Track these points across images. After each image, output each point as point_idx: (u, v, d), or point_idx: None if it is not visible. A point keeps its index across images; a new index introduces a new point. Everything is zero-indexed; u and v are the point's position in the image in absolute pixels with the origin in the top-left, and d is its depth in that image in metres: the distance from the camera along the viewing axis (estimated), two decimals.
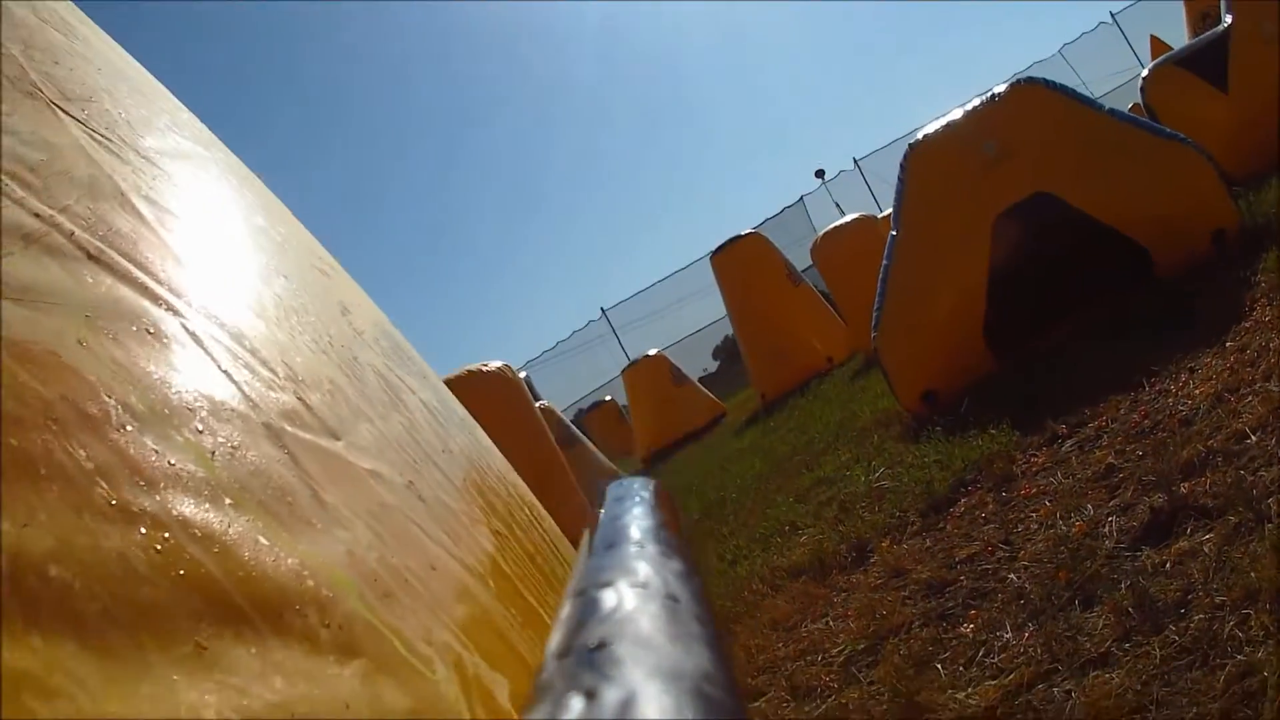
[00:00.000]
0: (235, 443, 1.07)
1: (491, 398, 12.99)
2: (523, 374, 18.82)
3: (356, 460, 1.39)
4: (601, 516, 1.10)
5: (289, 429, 1.23)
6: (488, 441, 2.82)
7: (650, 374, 26.55)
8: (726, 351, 48.72)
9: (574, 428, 23.54)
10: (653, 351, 28.13)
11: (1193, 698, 2.90)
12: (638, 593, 0.73)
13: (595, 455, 22.72)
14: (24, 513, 0.72)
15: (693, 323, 50.43)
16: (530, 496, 2.72)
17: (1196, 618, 3.22)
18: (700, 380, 29.61)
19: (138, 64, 2.14)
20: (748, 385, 24.82)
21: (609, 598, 0.71)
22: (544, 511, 2.77)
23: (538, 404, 18.03)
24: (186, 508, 0.89)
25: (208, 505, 0.92)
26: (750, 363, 21.56)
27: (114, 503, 0.81)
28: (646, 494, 1.18)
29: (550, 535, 2.51)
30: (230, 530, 0.93)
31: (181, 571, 0.82)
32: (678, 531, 1.04)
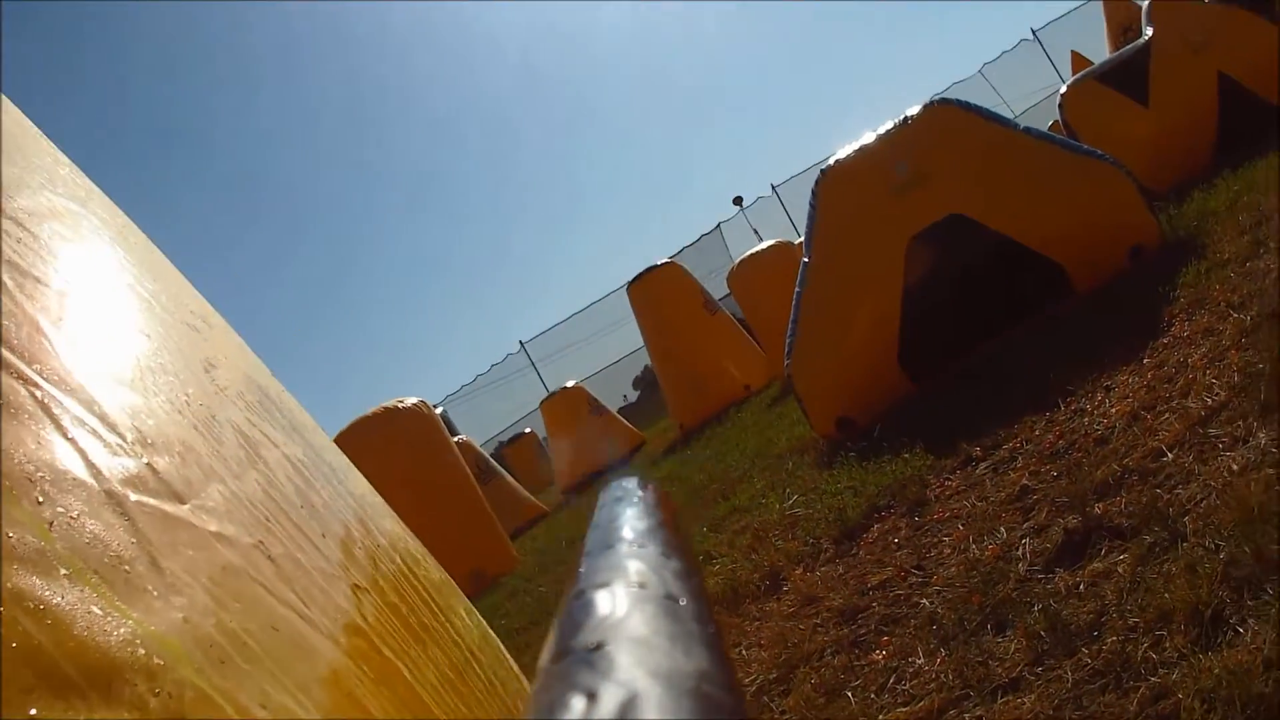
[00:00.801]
0: (74, 512, 1.06)
1: (407, 434, 12.99)
2: (439, 409, 18.81)
3: (201, 523, 1.36)
4: (598, 517, 1.03)
5: (132, 495, 1.21)
6: (363, 491, 2.76)
7: (568, 405, 26.59)
8: (646, 381, 48.99)
9: (492, 461, 23.58)
10: (571, 383, 28.18)
11: None
12: (636, 593, 0.67)
13: (514, 488, 22.71)
14: None
15: (613, 353, 50.68)
16: (407, 545, 2.69)
17: (1110, 640, 3.18)
18: (620, 410, 29.81)
19: (19, 113, 2.16)
20: (666, 415, 24.90)
21: (606, 598, 0.65)
22: (422, 559, 2.72)
23: (455, 439, 17.98)
24: (22, 580, 0.89)
25: (43, 577, 0.92)
26: (668, 392, 21.64)
27: None
28: (644, 494, 1.11)
29: (424, 585, 2.47)
30: (64, 601, 0.92)
31: (13, 644, 0.82)
32: (676, 531, 0.96)
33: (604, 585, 0.66)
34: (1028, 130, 8.54)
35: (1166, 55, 11.22)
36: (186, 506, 1.34)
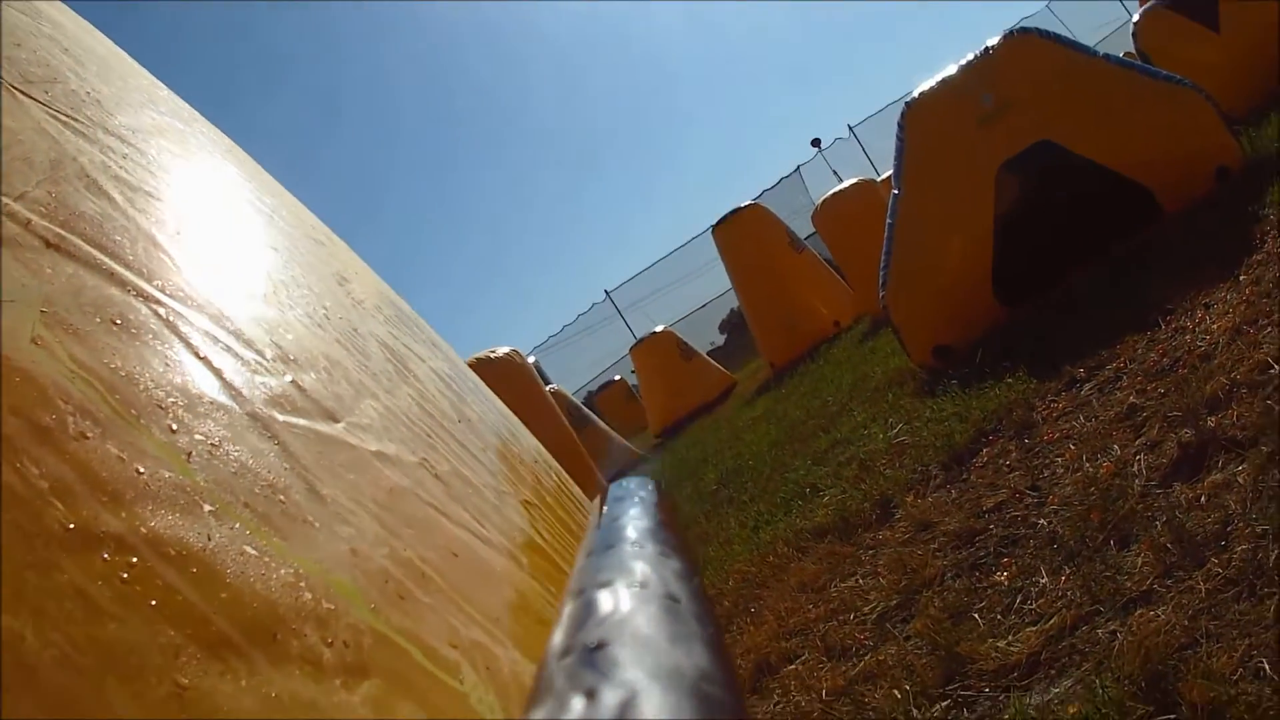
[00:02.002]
0: (215, 440, 0.97)
1: (502, 382, 13.02)
2: (531, 359, 18.87)
3: (359, 443, 1.29)
4: (601, 517, 1.07)
5: (279, 416, 1.14)
6: (505, 408, 2.76)
7: (658, 350, 26.56)
8: (733, 325, 48.79)
9: (585, 409, 23.58)
10: (659, 328, 28.13)
11: (1243, 629, 2.85)
12: (637, 593, 0.74)
13: (609, 434, 22.77)
14: None
15: (698, 298, 50.48)
16: (555, 463, 2.67)
17: (1239, 549, 3.17)
18: (709, 354, 29.64)
19: (110, 43, 2.09)
20: (757, 356, 24.83)
21: (608, 598, 0.72)
22: (568, 477, 2.71)
23: (548, 388, 18.07)
24: (158, 523, 0.79)
25: (184, 516, 0.82)
26: (757, 333, 21.56)
27: (71, 526, 0.71)
28: (645, 494, 1.16)
29: (579, 500, 2.45)
30: (210, 543, 0.82)
31: (153, 601, 0.72)
32: (677, 531, 1.01)
33: (606, 585, 0.74)
34: (1107, 57, 8.45)
35: None
36: (341, 425, 1.27)
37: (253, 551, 0.86)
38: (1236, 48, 10.88)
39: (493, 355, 14.52)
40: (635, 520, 0.98)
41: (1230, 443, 3.84)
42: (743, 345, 34.16)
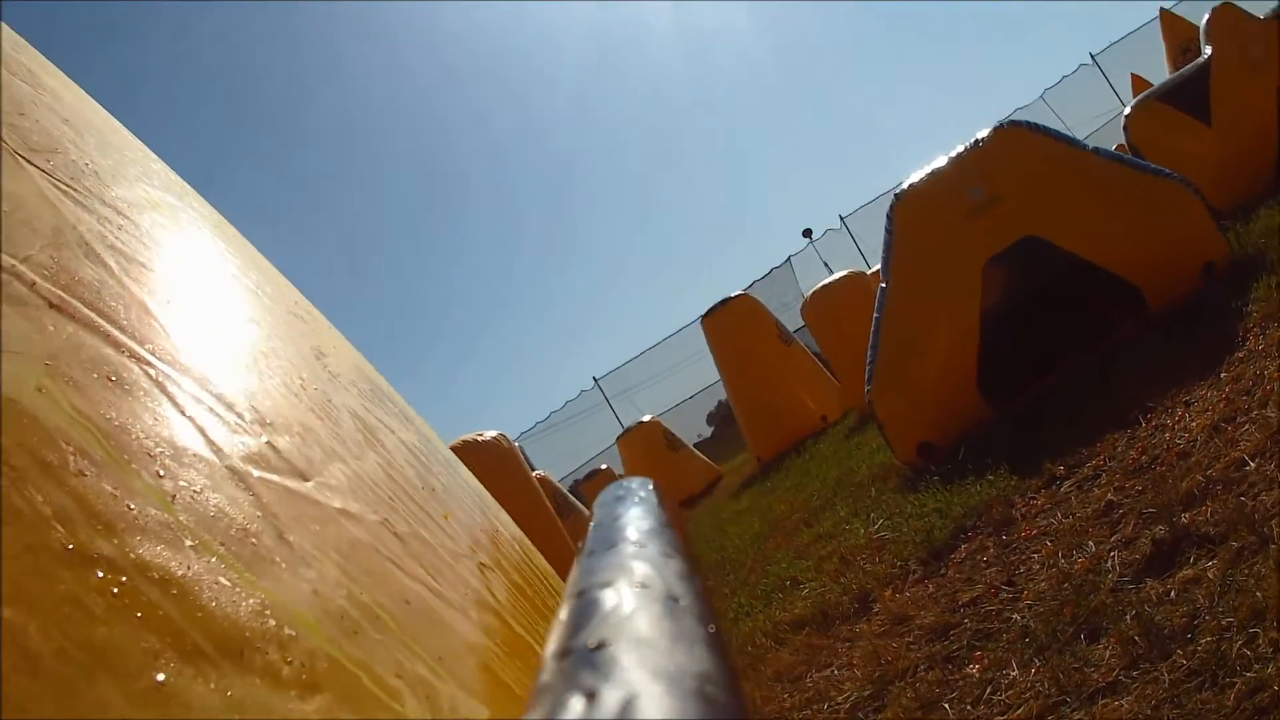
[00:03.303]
0: (197, 486, 1.06)
1: (488, 465, 12.97)
2: (517, 445, 18.84)
3: (326, 500, 1.37)
4: (601, 517, 1.08)
5: (254, 471, 1.22)
6: (475, 482, 2.80)
7: (645, 440, 26.58)
8: (720, 416, 48.83)
9: (571, 496, 23.55)
10: (647, 418, 28.16)
11: (1204, 718, 2.89)
12: (638, 593, 0.72)
13: None
14: None
15: (687, 389, 50.56)
16: (520, 534, 2.70)
17: (1204, 640, 3.21)
18: (695, 445, 29.64)
19: (107, 114, 2.16)
20: (743, 449, 24.81)
21: (609, 598, 0.71)
22: (534, 548, 2.75)
23: (534, 473, 18.03)
24: (145, 551, 0.88)
25: (167, 548, 0.91)
26: (744, 425, 21.58)
27: (70, 546, 0.80)
28: (646, 494, 1.17)
29: (542, 570, 2.49)
30: (190, 572, 0.91)
31: (139, 613, 0.81)
32: (679, 531, 1.02)
33: (607, 585, 0.72)
34: (1097, 150, 8.52)
35: (1226, 73, 11.17)
36: (310, 483, 1.35)
37: (226, 582, 0.95)
38: (1228, 141, 10.96)
39: (480, 438, 14.51)
40: (637, 520, 0.99)
41: (1202, 539, 3.87)
42: (730, 437, 34.16)
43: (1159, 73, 22.24)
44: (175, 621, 0.83)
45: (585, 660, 0.58)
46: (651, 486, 1.22)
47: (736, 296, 22.12)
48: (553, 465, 39.40)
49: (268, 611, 0.97)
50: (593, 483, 36.86)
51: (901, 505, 7.58)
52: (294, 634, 0.98)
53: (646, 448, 26.40)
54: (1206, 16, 11.83)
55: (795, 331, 22.76)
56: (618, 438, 28.72)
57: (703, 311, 22.47)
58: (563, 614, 0.71)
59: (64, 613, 0.74)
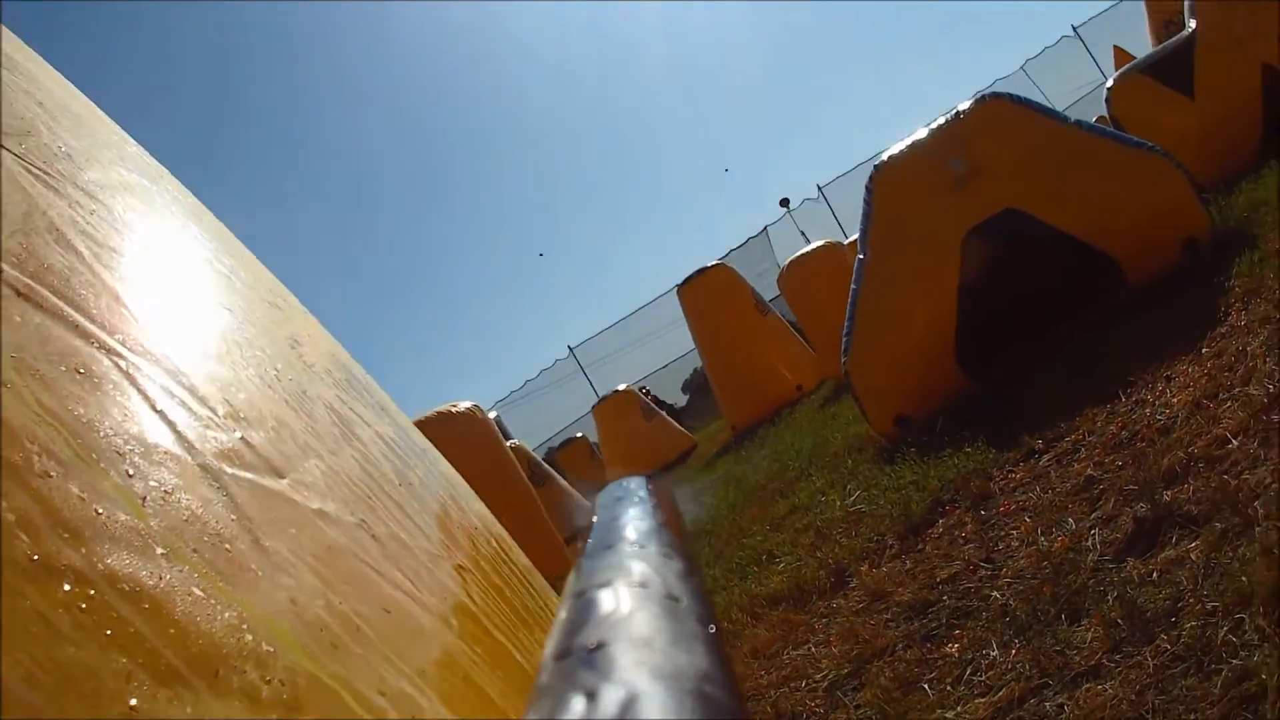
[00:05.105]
0: (169, 487, 1.02)
1: (462, 438, 12.96)
2: (493, 414, 18.82)
3: (302, 500, 1.33)
4: (600, 517, 1.05)
5: (228, 469, 1.18)
6: (451, 472, 2.78)
7: (620, 409, 26.68)
8: (695, 385, 48.92)
9: (546, 465, 23.58)
10: (622, 386, 28.22)
11: (1190, 705, 2.86)
12: (637, 593, 0.71)
13: (568, 491, 22.76)
14: None
15: (661, 357, 50.62)
16: (499, 529, 2.69)
17: (1188, 625, 3.18)
18: (670, 414, 29.70)
19: (84, 97, 2.15)
20: (718, 417, 24.92)
21: (608, 598, 0.70)
22: (513, 544, 2.73)
23: (509, 443, 18.01)
24: (114, 560, 0.84)
25: (137, 557, 0.88)
26: (720, 394, 21.70)
27: (35, 558, 0.76)
28: (645, 494, 1.13)
29: (520, 568, 2.47)
30: (162, 583, 0.88)
31: (109, 631, 0.77)
32: (678, 531, 0.99)
33: (606, 585, 0.71)
34: (1079, 123, 8.50)
35: (1210, 48, 11.12)
36: (285, 481, 1.32)
37: (200, 594, 0.92)
38: (1211, 115, 10.94)
39: (453, 410, 14.48)
40: (636, 520, 0.96)
41: (1185, 519, 3.84)
42: (705, 406, 34.25)
43: (1141, 46, 22.26)
44: (147, 639, 0.80)
45: (585, 660, 0.57)
46: (651, 487, 1.19)
47: (713, 266, 22.19)
48: (528, 434, 39.48)
49: (245, 625, 0.94)
50: (567, 451, 36.94)
51: (878, 477, 7.55)
52: (272, 650, 0.95)
53: (622, 415, 26.50)
54: None
55: (771, 301, 22.79)
56: (593, 406, 28.79)
57: (679, 281, 22.49)
58: (562, 614, 0.70)
59: (31, 632, 0.70)
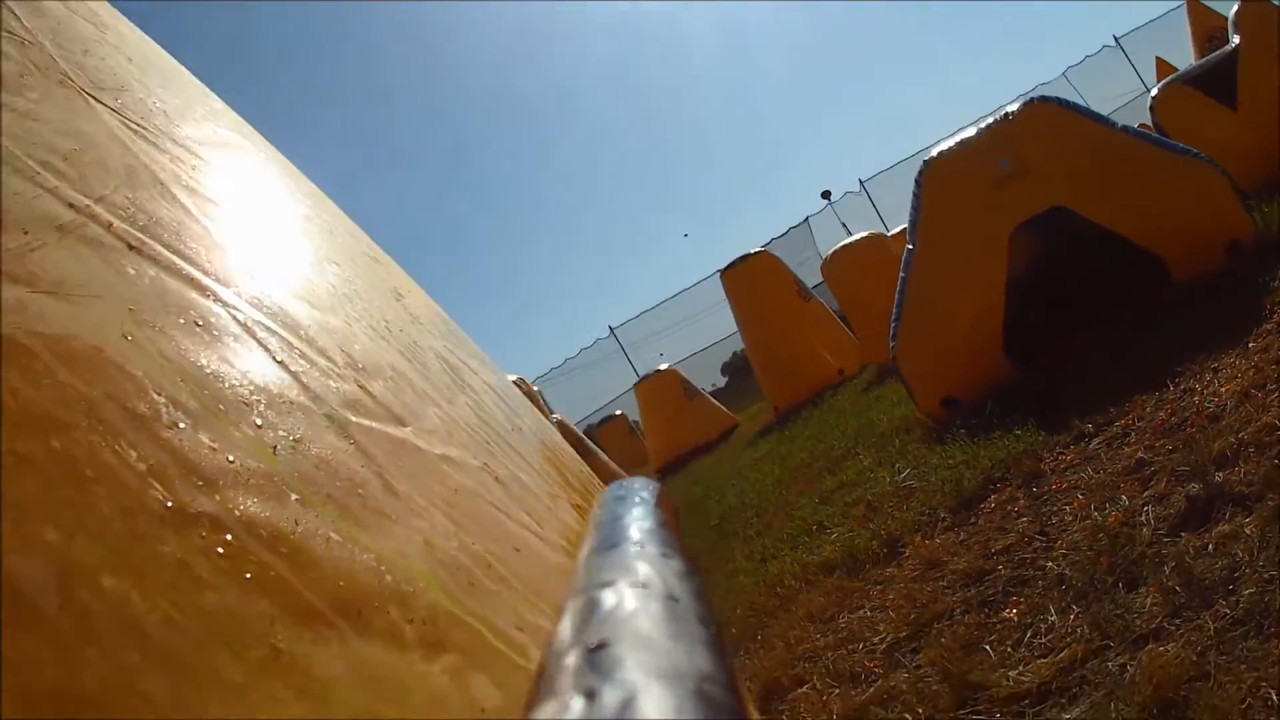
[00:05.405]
0: (298, 435, 1.02)
1: None
2: (535, 388, 18.92)
3: (426, 446, 1.33)
4: (601, 516, 1.14)
5: (353, 418, 1.19)
6: (545, 420, 2.84)
7: (663, 388, 26.67)
8: (735, 367, 48.76)
9: (588, 440, 23.63)
10: (664, 366, 28.27)
11: (1251, 664, 2.98)
12: (638, 593, 0.75)
13: (610, 465, 22.84)
14: (71, 520, 0.68)
15: (700, 340, 50.52)
16: (591, 472, 2.74)
17: (1246, 592, 3.30)
18: (710, 395, 29.69)
19: (167, 54, 2.13)
20: (757, 400, 24.89)
21: (609, 598, 0.74)
22: (602, 485, 2.80)
23: (552, 417, 18.13)
24: (250, 506, 0.84)
25: (273, 503, 0.87)
26: (762, 376, 21.66)
27: (170, 505, 0.76)
28: (646, 494, 1.23)
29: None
30: (299, 528, 0.87)
31: (249, 574, 0.77)
32: (677, 531, 1.08)
33: (608, 585, 0.77)
34: (1125, 128, 8.55)
35: (1254, 62, 11.22)
36: (409, 429, 1.32)
37: (336, 537, 0.92)
38: (1254, 126, 10.99)
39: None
40: (638, 520, 1.07)
41: (1237, 498, 3.96)
42: (744, 389, 34.16)
43: (1183, 57, 22.25)
44: (288, 582, 0.80)
45: (586, 660, 0.61)
46: (652, 487, 1.28)
47: (757, 252, 22.23)
48: (568, 410, 39.41)
49: (383, 567, 0.94)
50: (606, 428, 36.92)
51: (927, 456, 7.65)
52: (412, 589, 0.96)
53: (664, 395, 26.49)
54: (1236, 7, 11.86)
55: (814, 288, 22.83)
56: (634, 384, 28.75)
57: (720, 266, 22.57)
58: (564, 613, 0.76)
59: (169, 579, 0.70)
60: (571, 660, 0.62)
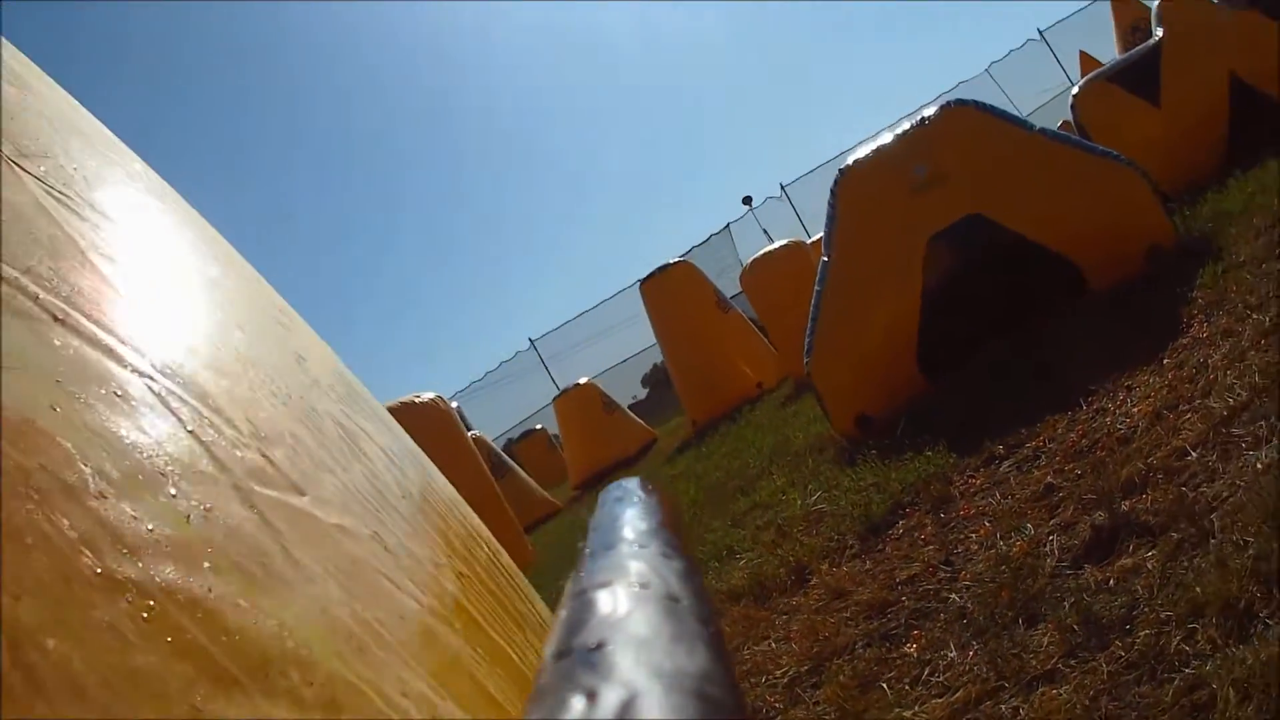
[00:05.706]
0: (208, 504, 1.07)
1: (425, 429, 12.93)
2: (454, 404, 18.83)
3: (323, 515, 1.39)
4: (600, 517, 1.08)
5: (257, 487, 1.23)
6: (438, 474, 2.82)
7: (581, 402, 26.59)
8: (655, 379, 48.92)
9: (505, 457, 23.57)
10: (583, 379, 28.19)
11: (1142, 711, 2.92)
12: (637, 593, 0.71)
13: (527, 483, 22.75)
14: (15, 584, 0.73)
15: (621, 351, 50.63)
16: (485, 530, 2.73)
17: (1143, 633, 3.24)
18: (630, 407, 29.69)
19: (89, 114, 2.13)
20: (678, 412, 24.89)
21: (608, 598, 0.70)
22: (498, 544, 2.78)
23: (470, 434, 18.04)
24: (169, 573, 0.90)
25: (188, 570, 0.93)
26: (681, 389, 21.67)
27: (99, 571, 0.81)
28: (646, 494, 1.17)
29: (507, 569, 2.52)
30: (211, 594, 0.93)
31: (169, 638, 0.82)
32: (678, 531, 1.02)
33: (605, 585, 0.72)
34: (1043, 131, 8.54)
35: (1177, 56, 11.21)
36: (306, 498, 1.37)
37: (244, 604, 0.98)
38: (1177, 123, 10.99)
39: (416, 400, 14.50)
40: (636, 520, 0.99)
41: (1142, 528, 3.91)
42: (665, 401, 34.21)
43: (1107, 51, 22.41)
44: (204, 645, 0.86)
45: (585, 660, 0.58)
46: (651, 488, 1.23)
47: (676, 263, 22.20)
48: (487, 425, 39.40)
49: (285, 633, 1.01)
50: (526, 442, 36.93)
51: (839, 478, 7.58)
52: (309, 654, 1.02)
53: (582, 409, 26.42)
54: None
55: (733, 298, 22.84)
56: (554, 398, 28.74)
57: (640, 277, 22.53)
58: (562, 614, 0.71)
59: (103, 641, 0.76)
60: (571, 660, 0.59)
